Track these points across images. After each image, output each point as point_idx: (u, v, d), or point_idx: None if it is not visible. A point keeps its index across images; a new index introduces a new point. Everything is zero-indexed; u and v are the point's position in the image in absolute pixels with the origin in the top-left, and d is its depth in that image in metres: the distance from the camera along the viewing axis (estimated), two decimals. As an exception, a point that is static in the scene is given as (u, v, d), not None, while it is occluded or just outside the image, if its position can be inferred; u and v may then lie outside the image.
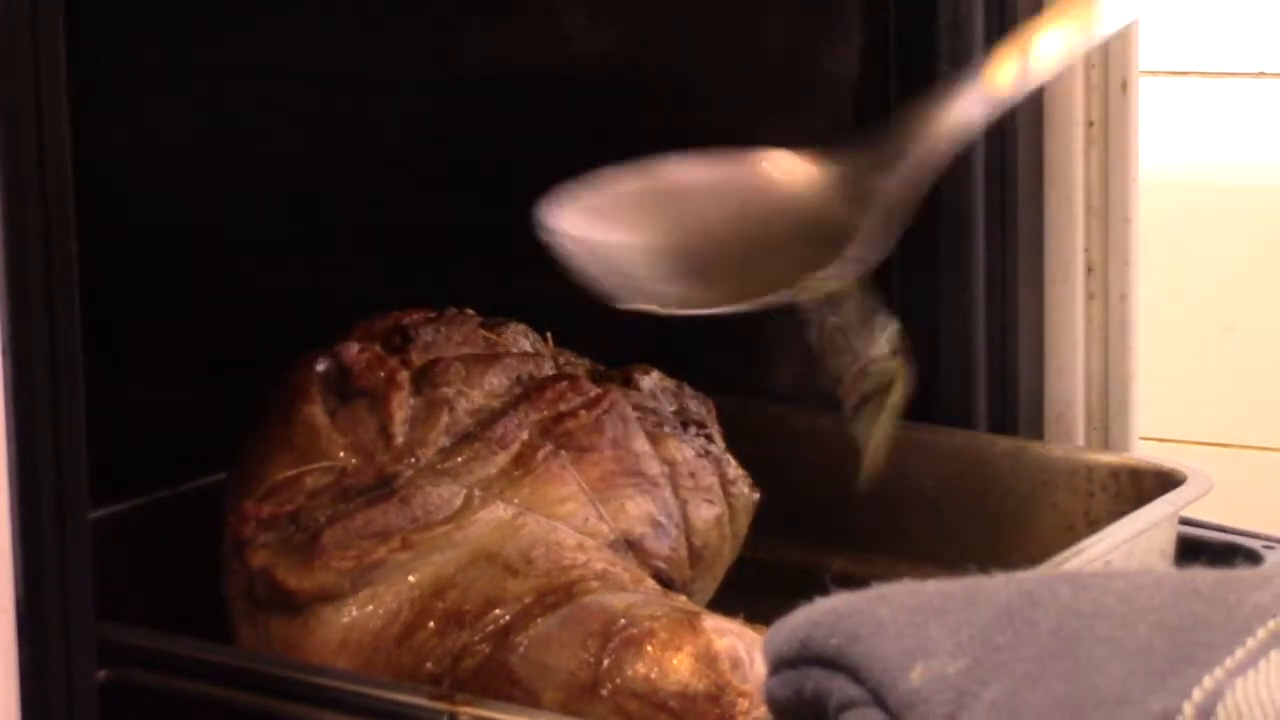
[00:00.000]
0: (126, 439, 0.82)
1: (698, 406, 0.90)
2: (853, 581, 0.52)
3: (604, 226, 0.69)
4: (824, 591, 0.51)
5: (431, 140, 1.08)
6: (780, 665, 0.50)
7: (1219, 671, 0.45)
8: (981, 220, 0.98)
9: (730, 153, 0.71)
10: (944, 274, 0.99)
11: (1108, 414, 1.02)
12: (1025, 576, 0.51)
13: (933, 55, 0.98)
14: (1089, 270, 1.01)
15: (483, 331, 0.89)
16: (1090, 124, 1.00)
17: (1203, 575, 0.49)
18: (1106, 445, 1.02)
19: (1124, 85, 1.01)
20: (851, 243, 0.67)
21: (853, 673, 0.48)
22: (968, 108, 0.69)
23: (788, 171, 0.70)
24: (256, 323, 0.99)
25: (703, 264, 0.68)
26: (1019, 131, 0.99)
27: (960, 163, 0.98)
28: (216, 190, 1.00)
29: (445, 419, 0.83)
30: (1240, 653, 0.45)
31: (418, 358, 0.85)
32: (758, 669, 0.69)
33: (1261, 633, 0.46)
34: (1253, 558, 0.88)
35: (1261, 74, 1.70)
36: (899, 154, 0.69)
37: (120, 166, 0.93)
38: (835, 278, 0.68)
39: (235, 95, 1.01)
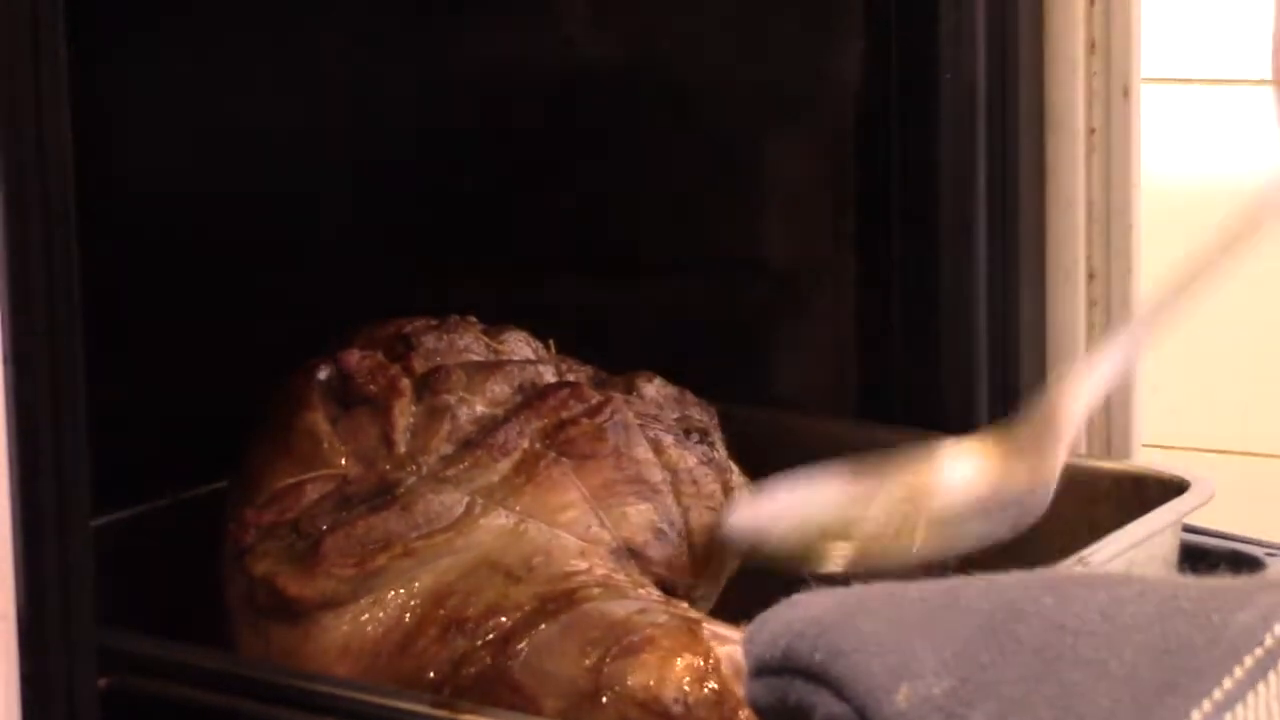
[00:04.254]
0: (128, 446, 0.82)
1: (700, 414, 0.89)
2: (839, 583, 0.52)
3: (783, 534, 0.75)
4: (804, 587, 0.51)
5: (433, 146, 1.08)
6: (762, 670, 0.50)
7: (1207, 704, 0.45)
8: (983, 227, 0.98)
9: (897, 455, 0.75)
10: (946, 281, 0.99)
11: (1110, 421, 1.02)
12: (1007, 582, 0.51)
13: (934, 63, 0.98)
14: (1090, 277, 1.01)
15: (484, 339, 0.88)
16: (1092, 131, 1.00)
17: (1187, 587, 0.49)
18: (1109, 453, 1.02)
19: (1126, 92, 1.00)
20: (1019, 520, 0.72)
21: (837, 689, 0.48)
22: (1101, 379, 0.73)
23: (959, 465, 0.75)
24: (258, 330, 0.99)
25: (880, 551, 0.73)
26: (1020, 138, 0.99)
27: (962, 169, 0.99)
28: (216, 197, 0.99)
29: (447, 426, 0.83)
30: (1228, 683, 0.45)
31: (420, 365, 0.85)
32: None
33: (1249, 660, 0.46)
34: (1255, 565, 0.88)
35: (1264, 81, 1.69)
36: (1054, 435, 0.74)
37: (122, 171, 0.93)
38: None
39: (237, 99, 1.00)
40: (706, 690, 0.72)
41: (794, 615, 0.50)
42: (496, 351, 0.88)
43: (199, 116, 0.99)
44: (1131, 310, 1.02)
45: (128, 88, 0.95)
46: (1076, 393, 0.74)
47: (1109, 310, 1.02)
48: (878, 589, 0.51)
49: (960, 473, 0.74)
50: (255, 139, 1.01)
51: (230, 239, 1.01)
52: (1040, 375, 1.00)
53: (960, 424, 0.96)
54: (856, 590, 0.51)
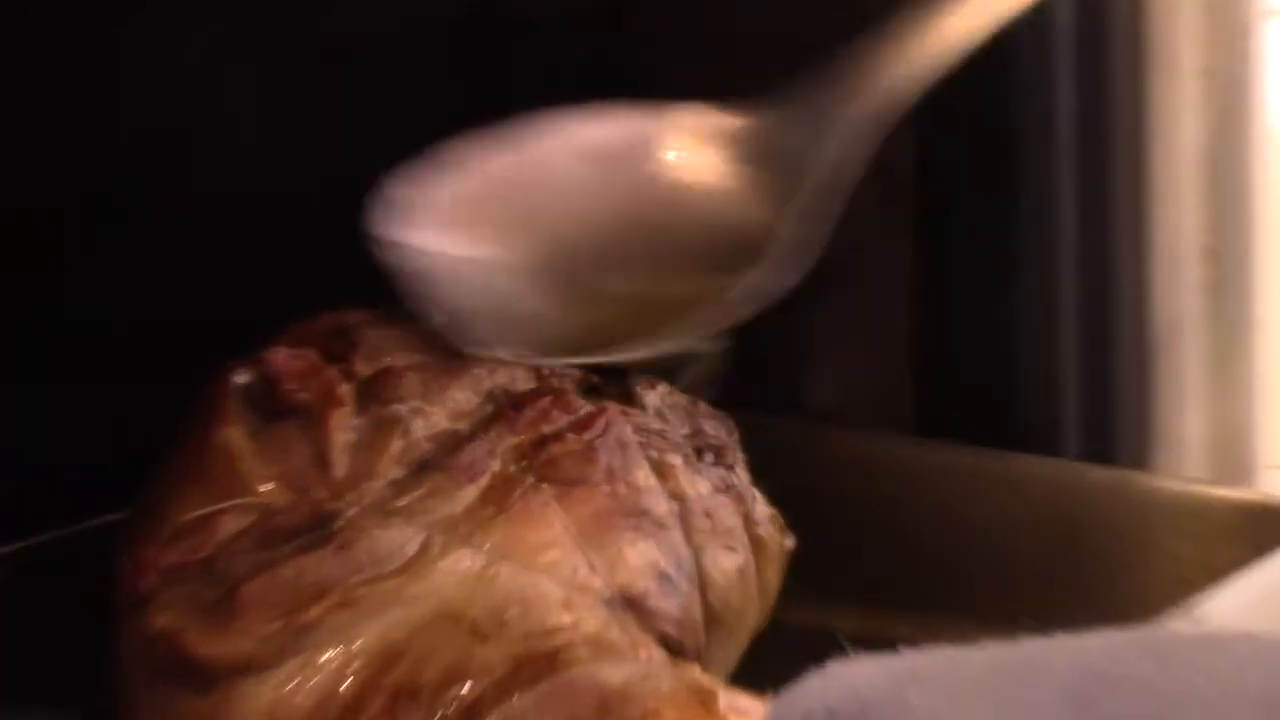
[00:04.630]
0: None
1: (716, 428, 0.89)
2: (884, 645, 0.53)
3: (452, 232, 0.67)
4: (840, 654, 0.52)
5: (387, 123, 1.10)
6: None
7: None
8: (1070, 193, 0.98)
9: (623, 111, 0.68)
10: (1024, 259, 0.99)
11: (1230, 437, 1.03)
12: (1094, 644, 0.51)
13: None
14: (1206, 256, 1.01)
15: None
16: (1206, 73, 1.01)
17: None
18: (1229, 476, 1.03)
19: (1246, 26, 1.01)
20: (773, 238, 0.64)
21: (883, 778, 0.49)
22: (932, 43, 0.66)
23: (693, 140, 0.67)
24: (172, 330, 1.00)
25: (583, 278, 0.67)
26: (1116, 82, 0.99)
27: (1042, 121, 0.99)
28: (122, 185, 1.01)
29: (397, 444, 0.83)
30: None
31: (363, 367, 0.85)
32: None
33: None
34: None
35: None
36: (837, 110, 0.65)
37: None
38: (749, 296, 0.65)
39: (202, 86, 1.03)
40: (721, 778, 0.72)
41: (829, 688, 0.51)
42: (460, 350, 0.87)
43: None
44: (1253, 293, 1.02)
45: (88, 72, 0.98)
46: (877, 59, 0.68)
47: (1228, 297, 1.02)
48: (932, 655, 0.51)
49: (690, 166, 0.68)
50: (182, 124, 1.03)
51: (138, 230, 1.02)
52: (1143, 379, 1.00)
53: (1041, 439, 0.97)
54: (906, 657, 0.51)
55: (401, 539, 0.80)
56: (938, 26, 0.68)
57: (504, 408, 0.84)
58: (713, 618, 0.85)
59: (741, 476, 0.88)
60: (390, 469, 0.82)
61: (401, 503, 0.81)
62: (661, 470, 0.85)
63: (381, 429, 0.83)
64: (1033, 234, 0.99)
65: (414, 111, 1.10)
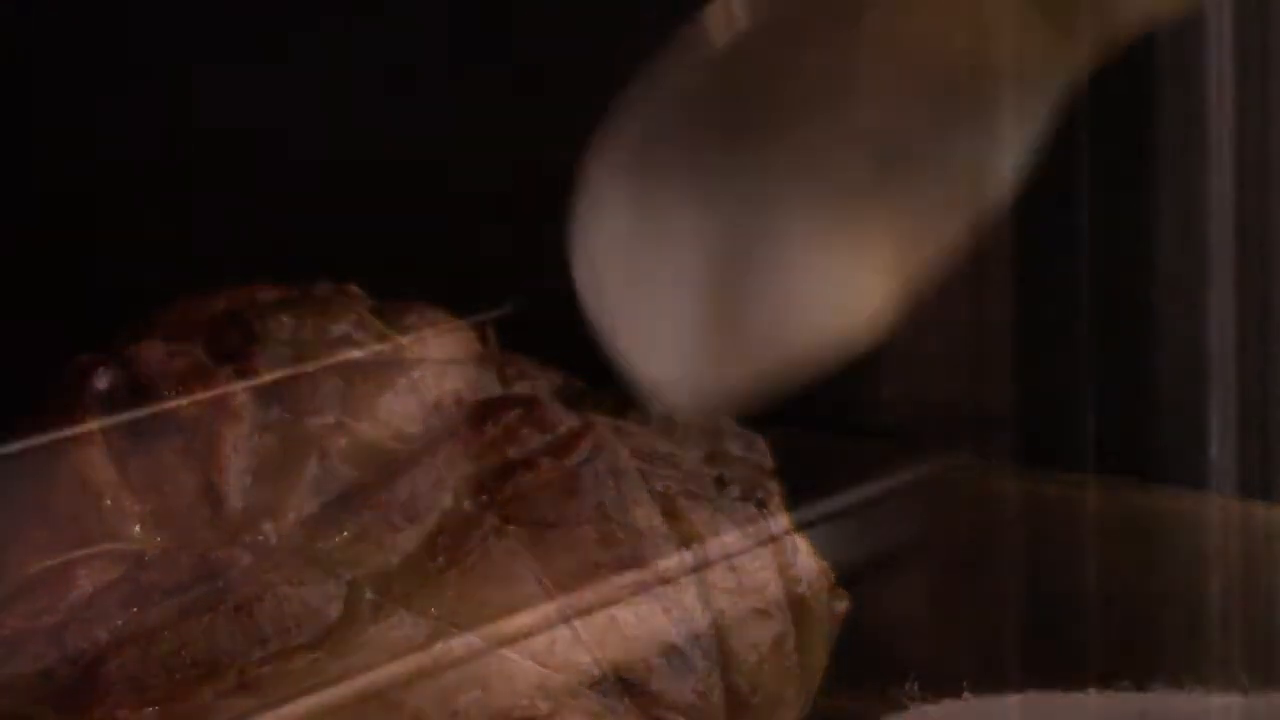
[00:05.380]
0: None
1: (745, 451, 0.87)
2: None
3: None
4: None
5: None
6: None
7: None
8: (1224, 134, 0.93)
9: None
10: (1163, 222, 0.97)
11: None
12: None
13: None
14: None
15: (375, 322, 0.86)
16: None
17: None
18: None
19: None
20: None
21: None
22: None
23: None
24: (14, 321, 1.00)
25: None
26: None
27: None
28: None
29: (312, 471, 0.81)
30: None
31: (266, 366, 0.83)
32: None
33: None
34: None
35: None
36: None
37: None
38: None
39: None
40: None
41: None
42: (396, 345, 0.86)
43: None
44: None
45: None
46: None
47: None
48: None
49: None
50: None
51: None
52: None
53: (1187, 469, 0.95)
54: None
55: (319, 599, 0.78)
56: None
57: (457, 423, 0.83)
58: (739, 704, 0.82)
59: (778, 517, 0.85)
60: (303, 504, 0.81)
61: (319, 549, 0.79)
62: (670, 508, 0.83)
63: (291, 451, 0.82)
64: (1171, 185, 0.97)
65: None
